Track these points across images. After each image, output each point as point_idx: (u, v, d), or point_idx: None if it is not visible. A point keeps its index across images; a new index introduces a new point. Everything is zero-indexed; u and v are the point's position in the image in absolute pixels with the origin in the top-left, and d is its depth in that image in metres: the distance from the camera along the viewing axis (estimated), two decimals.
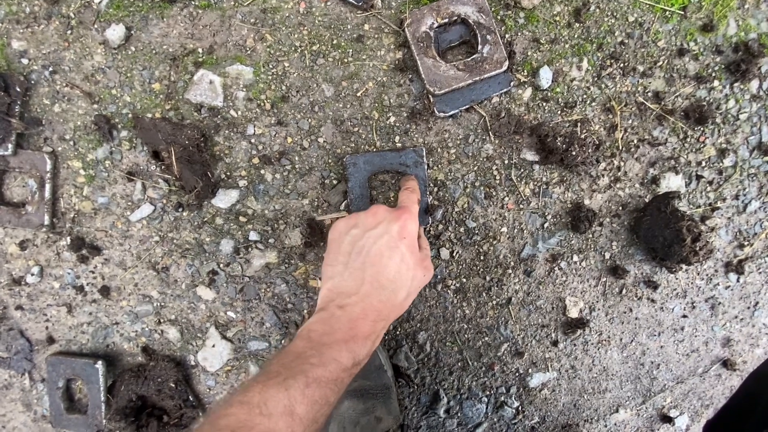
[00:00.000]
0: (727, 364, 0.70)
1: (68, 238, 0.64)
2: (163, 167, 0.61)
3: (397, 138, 0.61)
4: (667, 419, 0.71)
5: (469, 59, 0.58)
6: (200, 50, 0.60)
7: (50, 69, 0.61)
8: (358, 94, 0.60)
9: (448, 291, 0.64)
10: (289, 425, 0.37)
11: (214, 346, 0.65)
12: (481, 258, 0.64)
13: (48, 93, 0.61)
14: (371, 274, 0.46)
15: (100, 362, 0.64)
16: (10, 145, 0.60)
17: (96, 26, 0.60)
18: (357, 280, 0.46)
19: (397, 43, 0.60)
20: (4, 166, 0.62)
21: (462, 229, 0.63)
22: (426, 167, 0.60)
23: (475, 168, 0.62)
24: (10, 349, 0.69)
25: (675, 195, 0.60)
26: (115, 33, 0.59)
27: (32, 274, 0.65)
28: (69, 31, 0.60)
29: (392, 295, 0.46)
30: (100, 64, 0.60)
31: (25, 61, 0.61)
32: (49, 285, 0.66)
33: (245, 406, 0.37)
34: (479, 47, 0.58)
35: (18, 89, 0.60)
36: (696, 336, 0.68)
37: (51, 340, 0.68)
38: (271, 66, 0.60)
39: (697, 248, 0.58)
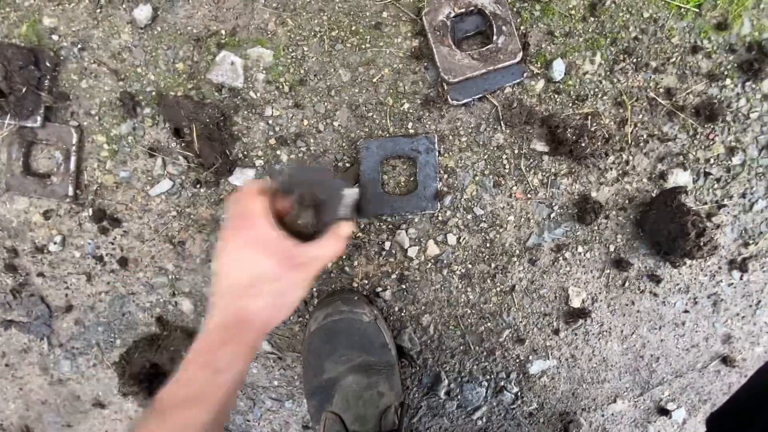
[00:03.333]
0: (726, 360, 0.70)
1: (90, 210, 0.67)
2: (183, 144, 0.63)
3: (410, 124, 0.63)
4: (664, 412, 0.72)
5: (483, 49, 0.59)
6: (223, 32, 0.62)
7: (79, 46, 0.63)
8: (374, 80, 0.62)
9: (454, 276, 0.66)
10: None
11: None
12: (487, 245, 0.65)
13: (76, 69, 0.64)
14: (220, 284, 0.44)
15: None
16: (39, 118, 0.63)
17: (124, 6, 0.62)
18: (214, 294, 0.44)
19: (414, 31, 0.61)
20: (32, 138, 0.65)
21: (470, 216, 0.64)
22: (437, 154, 0.62)
23: (485, 156, 0.63)
24: (31, 315, 0.72)
25: (682, 190, 0.61)
26: (143, 13, 0.61)
27: (55, 243, 0.68)
28: (98, 10, 0.62)
29: (245, 300, 0.43)
30: (126, 42, 0.63)
31: (55, 37, 0.63)
32: (70, 254, 0.69)
33: None
34: (494, 38, 0.59)
35: (48, 64, 0.63)
36: (696, 331, 0.69)
37: (70, 308, 0.71)
38: (290, 50, 0.62)
39: (701, 243, 0.59)
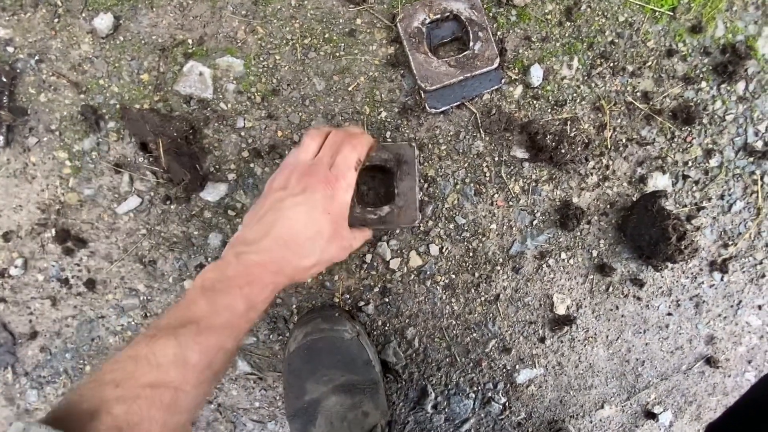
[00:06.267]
0: (710, 361, 0.71)
1: (53, 230, 0.63)
2: (151, 159, 0.60)
3: (388, 134, 0.61)
4: (651, 415, 0.72)
5: (460, 55, 0.58)
6: (190, 41, 0.59)
7: (36, 58, 0.60)
8: (350, 89, 0.60)
9: (437, 287, 0.65)
10: (181, 373, 0.36)
11: None
12: (470, 254, 0.64)
13: (34, 82, 0.60)
14: (278, 231, 0.44)
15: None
16: (1, 138, 0.59)
17: (84, 15, 0.59)
18: (261, 233, 0.44)
19: (389, 38, 0.60)
20: None
21: (451, 226, 0.63)
22: (418, 163, 0.60)
23: (466, 165, 0.62)
24: None
25: (662, 194, 0.61)
26: (104, 22, 0.58)
27: (16, 266, 0.64)
28: (56, 20, 0.59)
29: (297, 258, 0.44)
30: (87, 53, 0.59)
31: (10, 49, 0.60)
32: (33, 277, 0.65)
33: (132, 359, 0.36)
34: (471, 44, 0.58)
35: (4, 79, 0.59)
36: (680, 334, 0.69)
37: (34, 334, 0.67)
38: (261, 59, 0.59)
39: (683, 246, 0.59)
